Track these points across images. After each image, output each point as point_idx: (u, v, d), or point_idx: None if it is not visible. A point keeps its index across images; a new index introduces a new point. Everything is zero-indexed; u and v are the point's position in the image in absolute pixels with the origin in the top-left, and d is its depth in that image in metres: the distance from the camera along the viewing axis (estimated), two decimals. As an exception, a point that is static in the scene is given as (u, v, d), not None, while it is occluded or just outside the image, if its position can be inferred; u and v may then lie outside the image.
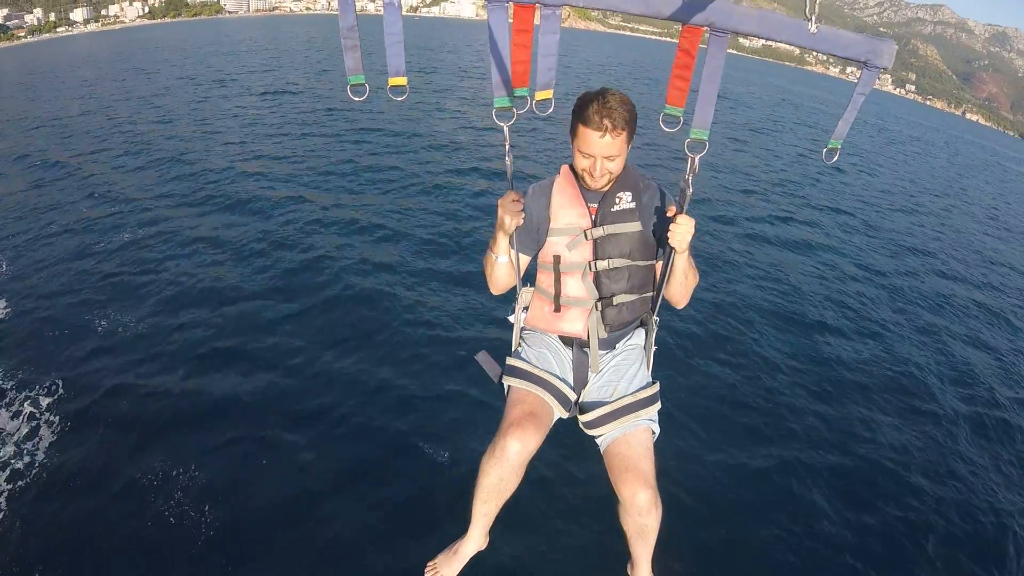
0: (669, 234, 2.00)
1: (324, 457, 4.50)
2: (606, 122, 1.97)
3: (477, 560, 2.16)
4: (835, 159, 1.85)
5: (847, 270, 9.84)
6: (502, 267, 2.25)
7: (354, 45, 1.72)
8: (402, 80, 1.78)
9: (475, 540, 2.14)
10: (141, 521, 3.96)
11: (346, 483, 4.27)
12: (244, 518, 4.00)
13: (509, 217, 2.08)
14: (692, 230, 1.99)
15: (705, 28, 1.72)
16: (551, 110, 1.88)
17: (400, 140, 12.85)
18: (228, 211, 8.89)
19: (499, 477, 2.01)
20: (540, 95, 1.88)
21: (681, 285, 2.16)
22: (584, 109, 1.99)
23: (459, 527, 2.16)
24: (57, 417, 4.88)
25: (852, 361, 6.74)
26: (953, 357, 7.59)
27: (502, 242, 2.18)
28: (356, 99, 1.77)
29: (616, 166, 2.11)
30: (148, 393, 5.15)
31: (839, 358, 6.74)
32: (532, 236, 2.27)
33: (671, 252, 2.08)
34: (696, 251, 2.16)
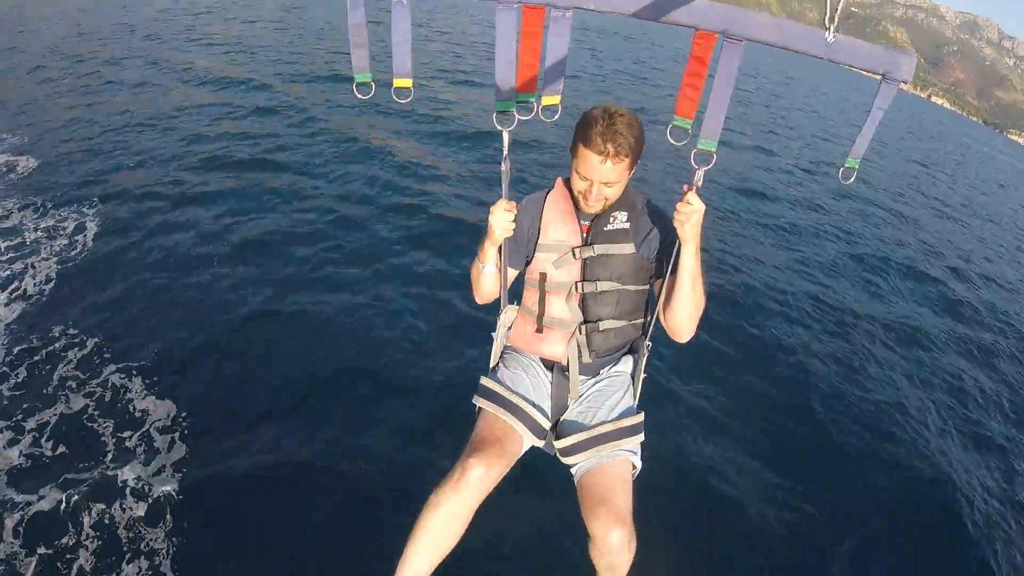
0: (674, 217, 1.85)
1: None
2: (609, 147, 1.86)
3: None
4: (852, 179, 1.76)
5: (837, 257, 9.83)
6: (488, 277, 2.14)
7: (362, 43, 1.65)
8: (407, 82, 1.70)
9: None
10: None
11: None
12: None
13: (498, 227, 1.97)
14: (701, 213, 1.83)
15: (719, 35, 1.65)
16: (557, 116, 1.81)
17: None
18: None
19: (450, 512, 1.79)
20: (547, 100, 1.81)
21: (687, 300, 1.96)
22: (588, 128, 1.88)
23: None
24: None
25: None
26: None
27: (490, 251, 2.08)
28: (362, 97, 1.71)
29: (614, 192, 2.01)
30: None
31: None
32: (521, 250, 2.18)
33: (677, 251, 1.94)
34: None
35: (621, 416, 2.09)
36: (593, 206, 2.04)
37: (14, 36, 17.84)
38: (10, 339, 5.41)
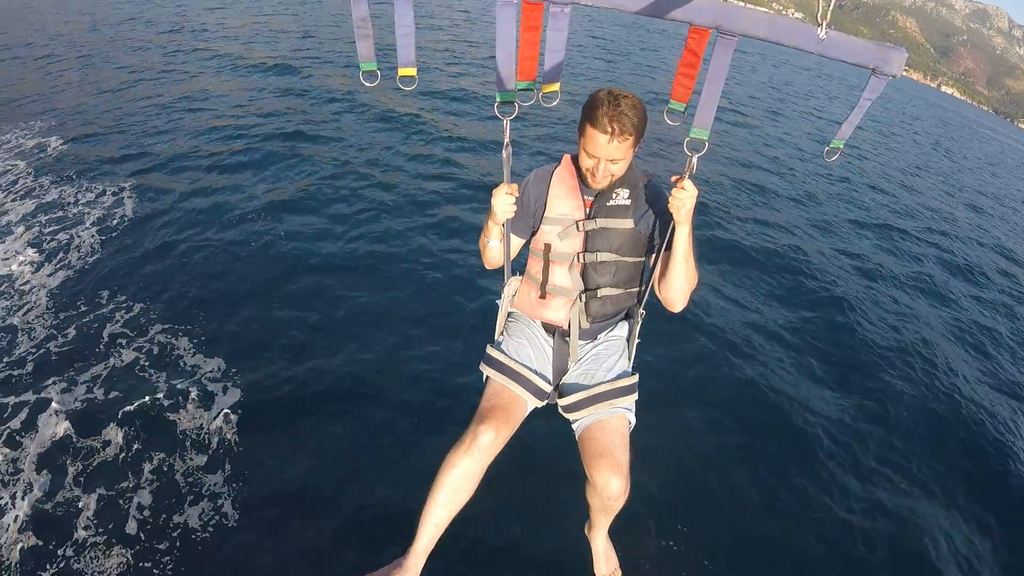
0: (669, 201, 1.99)
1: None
2: (614, 126, 1.96)
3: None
4: (836, 158, 1.86)
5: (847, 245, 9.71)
6: (493, 250, 2.30)
7: (367, 34, 1.75)
8: (412, 71, 1.80)
9: (414, 560, 2.02)
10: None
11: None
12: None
13: (500, 209, 2.10)
14: (694, 197, 1.96)
15: (713, 30, 1.70)
16: (556, 102, 1.90)
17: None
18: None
19: (464, 471, 2.01)
20: (547, 88, 1.90)
21: (680, 275, 2.13)
22: (594, 110, 1.97)
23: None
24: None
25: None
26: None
27: (493, 229, 2.23)
28: (368, 85, 1.80)
29: (619, 169, 2.11)
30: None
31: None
32: (527, 220, 2.31)
33: (671, 230, 2.07)
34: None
35: (618, 377, 2.29)
36: (600, 182, 2.14)
37: (29, 31, 18.16)
38: (57, 303, 5.68)
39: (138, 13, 21.33)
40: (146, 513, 3.82)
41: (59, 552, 3.57)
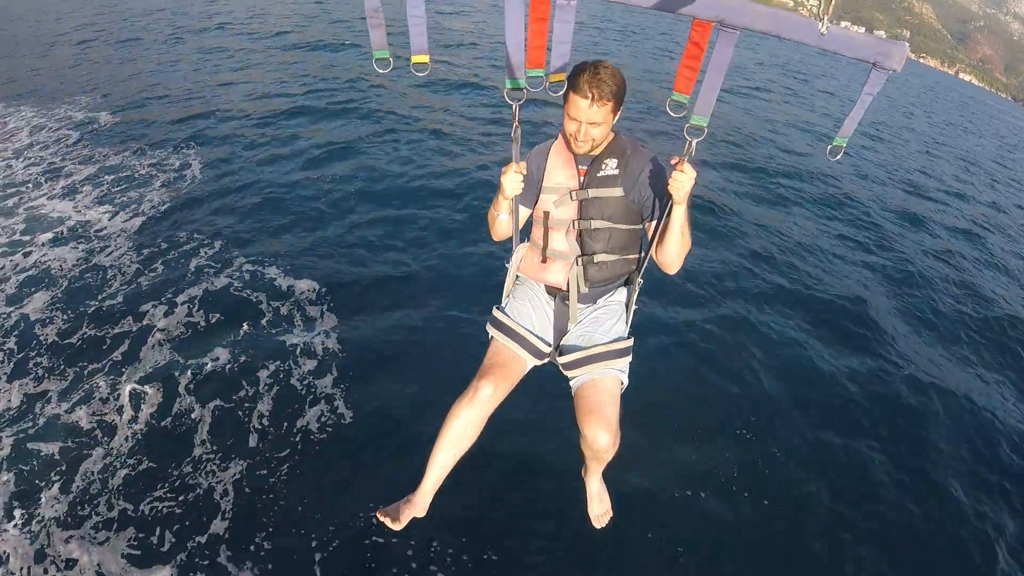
0: (669, 182, 2.08)
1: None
2: (593, 91, 2.09)
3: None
4: (839, 156, 1.90)
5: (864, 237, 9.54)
6: (503, 222, 2.47)
7: (379, 24, 1.83)
8: (424, 58, 1.89)
9: (422, 498, 2.32)
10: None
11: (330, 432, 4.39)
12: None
13: (509, 187, 2.27)
14: (693, 180, 2.06)
15: (715, 23, 1.74)
16: (564, 90, 2.08)
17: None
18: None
19: (466, 420, 2.25)
20: (554, 77, 2.03)
21: (676, 243, 2.25)
22: (576, 77, 2.10)
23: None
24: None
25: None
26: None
27: (503, 203, 2.40)
28: (381, 71, 1.89)
29: (600, 133, 2.23)
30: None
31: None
32: (531, 191, 2.47)
33: (669, 204, 2.17)
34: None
35: (614, 340, 2.44)
36: (582, 145, 2.27)
37: (60, 21, 19.92)
38: (140, 244, 6.54)
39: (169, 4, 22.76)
40: (265, 421, 4.28)
41: (175, 469, 3.98)
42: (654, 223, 2.33)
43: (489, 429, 2.33)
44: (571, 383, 2.43)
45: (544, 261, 2.49)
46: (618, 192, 2.35)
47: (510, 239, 2.56)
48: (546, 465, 4.01)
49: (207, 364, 4.70)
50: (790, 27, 1.69)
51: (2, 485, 3.80)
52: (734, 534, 3.92)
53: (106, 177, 8.41)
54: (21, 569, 3.40)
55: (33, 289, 5.71)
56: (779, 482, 4.32)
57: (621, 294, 2.57)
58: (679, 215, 2.18)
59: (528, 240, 2.60)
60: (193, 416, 4.30)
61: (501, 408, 2.34)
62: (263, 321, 5.22)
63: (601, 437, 2.19)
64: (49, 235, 6.79)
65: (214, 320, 5.20)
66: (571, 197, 2.38)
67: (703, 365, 5.32)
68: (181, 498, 3.78)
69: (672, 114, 1.96)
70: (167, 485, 3.86)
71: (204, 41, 16.37)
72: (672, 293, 6.14)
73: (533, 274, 2.57)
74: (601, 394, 2.29)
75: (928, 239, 10.13)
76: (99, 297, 5.56)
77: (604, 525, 2.79)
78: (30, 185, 8.34)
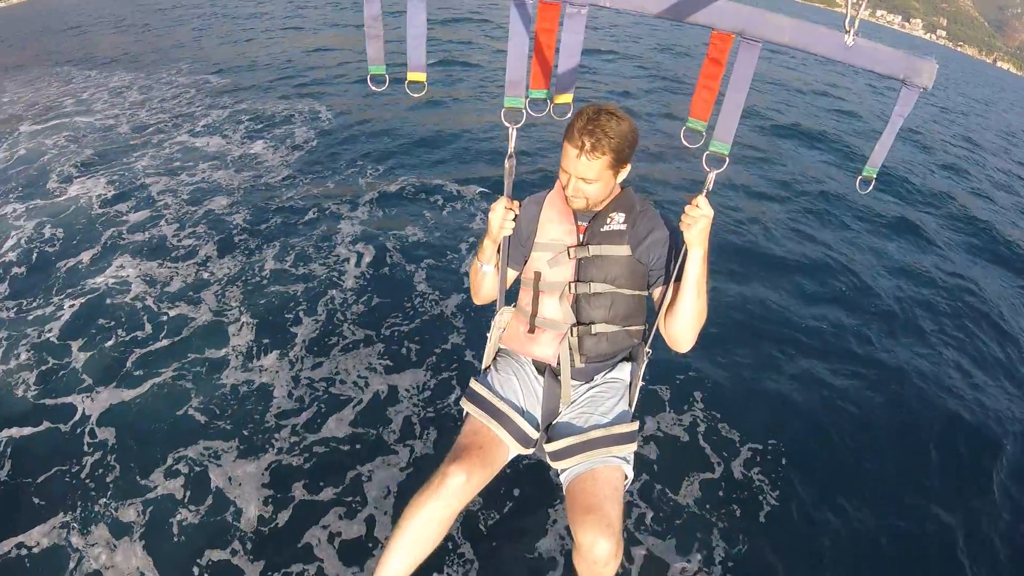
0: (682, 220, 1.84)
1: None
2: (585, 140, 1.85)
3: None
4: (869, 189, 1.73)
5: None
6: (487, 277, 2.16)
7: (377, 35, 1.68)
8: (421, 76, 1.73)
9: None
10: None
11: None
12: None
13: (497, 225, 2.00)
14: (709, 218, 1.81)
15: (736, 35, 1.63)
16: (569, 115, 1.83)
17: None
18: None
19: (429, 516, 1.82)
20: (560, 99, 1.81)
21: (691, 307, 1.94)
22: (573, 123, 1.88)
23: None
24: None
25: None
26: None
27: (489, 249, 2.10)
28: (376, 89, 1.71)
29: (594, 191, 1.98)
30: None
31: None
32: (520, 249, 2.17)
33: (682, 259, 1.92)
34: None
35: (615, 422, 2.07)
36: (574, 201, 2.02)
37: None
38: (302, 168, 8.21)
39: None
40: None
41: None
42: (661, 289, 2.07)
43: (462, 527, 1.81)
44: (562, 476, 2.02)
45: (531, 331, 2.15)
46: (624, 251, 2.05)
47: (494, 303, 2.26)
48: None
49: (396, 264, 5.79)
50: (814, 39, 1.59)
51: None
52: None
53: (243, 118, 10.31)
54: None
55: (208, 197, 7.35)
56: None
57: (623, 370, 2.23)
58: (695, 264, 1.89)
59: (515, 305, 2.28)
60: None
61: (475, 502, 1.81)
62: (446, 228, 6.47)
63: (600, 545, 1.74)
64: (212, 162, 8.55)
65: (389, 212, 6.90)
66: (568, 255, 2.07)
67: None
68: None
69: (688, 144, 1.76)
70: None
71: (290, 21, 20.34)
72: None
73: (518, 347, 2.22)
74: (600, 488, 1.88)
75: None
76: (278, 204, 7.06)
77: None
78: (168, 127, 10.21)
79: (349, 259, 5.93)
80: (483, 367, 2.34)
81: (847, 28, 1.53)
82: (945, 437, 4.67)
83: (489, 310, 2.33)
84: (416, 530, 1.81)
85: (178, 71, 14.27)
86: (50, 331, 5.02)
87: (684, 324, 1.98)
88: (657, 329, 2.12)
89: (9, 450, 3.92)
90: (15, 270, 6.06)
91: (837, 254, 7.43)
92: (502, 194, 2.03)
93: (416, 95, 1.72)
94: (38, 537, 3.35)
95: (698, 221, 1.81)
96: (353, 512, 3.45)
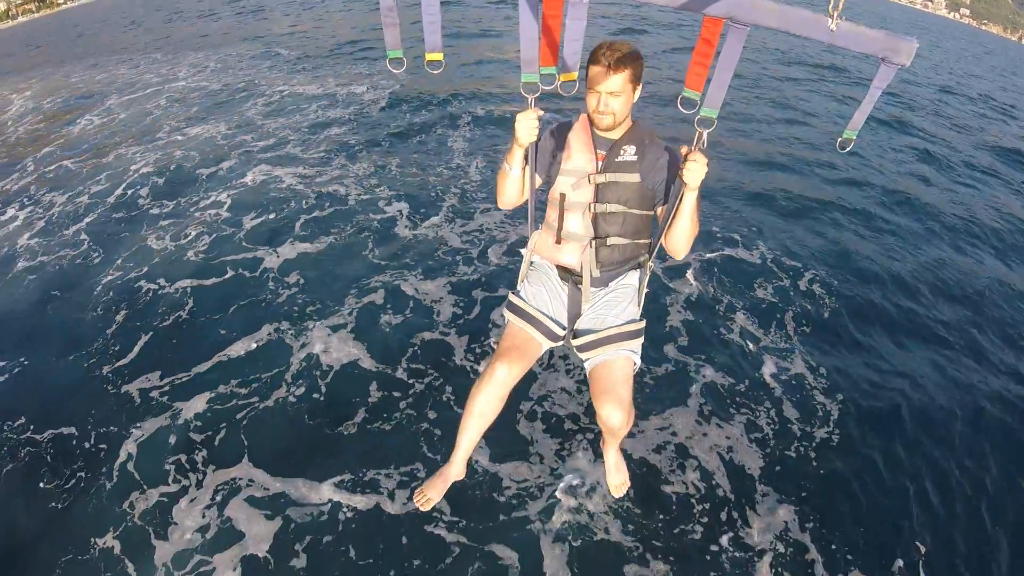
0: (682, 170, 2.10)
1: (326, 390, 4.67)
2: (610, 59, 2.20)
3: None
4: (848, 149, 1.93)
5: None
6: (514, 180, 2.44)
7: (393, 23, 1.88)
8: (439, 55, 1.95)
9: (457, 466, 2.55)
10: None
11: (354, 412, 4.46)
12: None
13: (524, 131, 2.20)
14: (705, 168, 2.09)
15: (725, 20, 1.78)
16: (575, 91, 2.07)
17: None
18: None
19: (486, 400, 2.39)
20: (565, 77, 2.07)
21: (686, 230, 2.29)
22: (594, 53, 2.24)
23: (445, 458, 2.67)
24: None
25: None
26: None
27: (517, 154, 2.35)
28: (395, 71, 1.95)
29: (620, 104, 2.31)
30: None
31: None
32: (546, 159, 2.52)
33: (681, 190, 2.19)
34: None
35: (627, 322, 2.52)
36: (603, 119, 2.34)
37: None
38: (396, 101, 10.59)
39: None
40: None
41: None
42: (665, 208, 2.38)
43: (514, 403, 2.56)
44: (585, 364, 2.53)
45: (558, 242, 2.55)
46: (635, 178, 2.41)
47: (517, 211, 2.63)
48: (568, 436, 4.17)
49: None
50: (799, 23, 1.72)
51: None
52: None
53: (327, 73, 12.65)
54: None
55: (325, 127, 9.55)
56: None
57: (633, 277, 2.64)
58: (690, 202, 2.22)
59: (543, 224, 2.66)
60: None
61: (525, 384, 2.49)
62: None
63: (615, 416, 2.30)
64: (321, 102, 10.75)
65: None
66: (588, 180, 2.43)
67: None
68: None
69: (683, 110, 2.00)
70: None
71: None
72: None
73: (547, 254, 2.63)
74: (615, 374, 2.39)
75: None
76: (391, 129, 9.26)
77: (622, 495, 2.98)
78: (262, 84, 12.37)
79: (466, 166, 8.13)
80: (519, 280, 2.75)
81: (830, 13, 1.66)
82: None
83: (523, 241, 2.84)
84: (479, 410, 2.42)
85: (245, 48, 16.76)
86: (217, 212, 7.10)
87: (681, 240, 2.34)
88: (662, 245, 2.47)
89: (212, 292, 5.72)
90: (157, 180, 8.20)
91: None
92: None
93: (435, 72, 1.96)
94: (240, 349, 4.96)
95: (697, 172, 2.09)
96: (431, 403, 4.44)
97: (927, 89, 17.71)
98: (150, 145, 9.69)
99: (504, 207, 2.58)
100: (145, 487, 3.85)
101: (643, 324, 2.55)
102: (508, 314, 2.61)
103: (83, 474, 3.97)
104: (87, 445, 4.18)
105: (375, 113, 10.13)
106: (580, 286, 2.57)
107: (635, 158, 2.41)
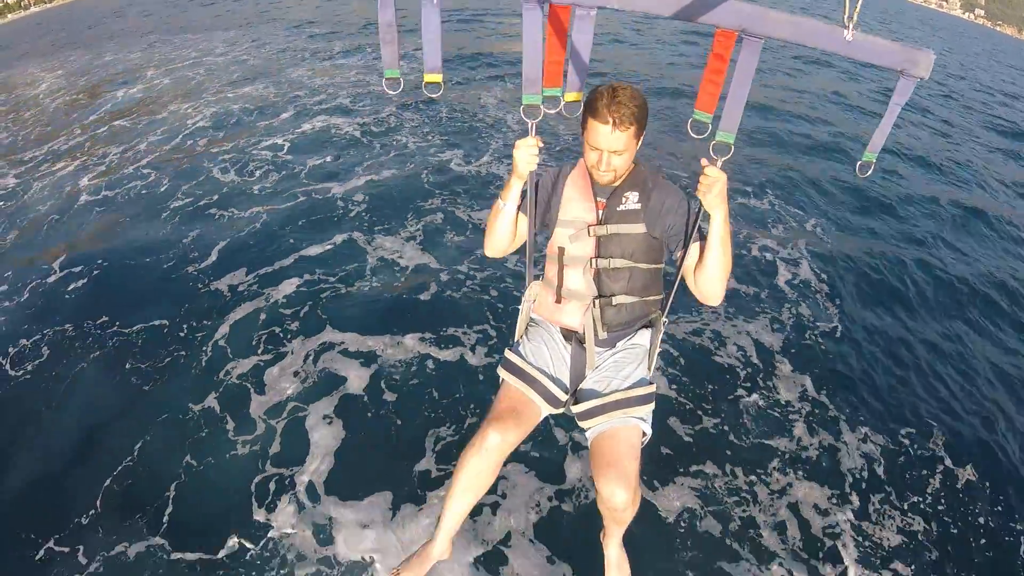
0: (698, 187, 1.93)
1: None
2: (614, 116, 1.97)
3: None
4: (869, 173, 1.79)
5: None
6: (507, 218, 2.23)
7: (391, 40, 1.75)
8: (437, 77, 1.81)
9: (440, 544, 2.20)
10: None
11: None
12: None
13: (522, 160, 2.04)
14: (721, 180, 1.89)
15: (738, 33, 1.71)
16: (580, 112, 1.95)
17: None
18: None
19: (476, 471, 2.10)
20: (570, 97, 1.93)
21: (717, 263, 2.05)
22: (594, 102, 2.00)
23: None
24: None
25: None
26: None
27: (515, 187, 2.16)
28: (390, 92, 1.81)
29: (622, 162, 2.11)
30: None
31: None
32: (543, 202, 2.29)
33: (702, 218, 2.02)
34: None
35: (634, 386, 2.27)
36: (604, 176, 2.15)
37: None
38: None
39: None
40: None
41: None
42: (682, 252, 2.17)
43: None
44: (587, 434, 2.26)
45: (558, 301, 2.33)
46: (640, 228, 2.19)
47: (505, 260, 2.40)
48: (560, 527, 3.64)
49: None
50: (814, 35, 1.66)
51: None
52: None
53: (364, 42, 14.48)
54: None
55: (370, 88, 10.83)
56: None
57: (643, 337, 2.41)
58: (717, 225, 1.99)
59: (542, 278, 2.45)
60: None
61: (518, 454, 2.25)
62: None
63: (618, 495, 1.98)
64: (361, 68, 12.55)
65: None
66: (588, 233, 2.22)
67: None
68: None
69: (695, 135, 1.86)
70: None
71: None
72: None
73: (547, 314, 2.41)
74: (619, 445, 2.12)
75: None
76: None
77: None
78: (303, 56, 13.93)
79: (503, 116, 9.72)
80: (516, 338, 2.53)
81: (846, 24, 1.60)
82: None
83: (520, 290, 2.62)
84: (466, 482, 2.12)
85: (277, 27, 18.36)
86: (278, 154, 8.06)
87: (713, 279, 2.09)
88: (677, 294, 2.28)
89: (282, 211, 6.63)
90: (215, 133, 9.00)
91: None
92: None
93: (434, 95, 1.82)
94: (317, 250, 5.89)
95: (714, 185, 1.89)
96: (414, 464, 3.95)
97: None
98: (201, 102, 10.66)
99: (493, 254, 2.35)
100: (239, 358, 4.43)
101: (653, 388, 2.29)
102: (504, 373, 2.35)
103: (178, 354, 4.54)
104: (180, 333, 4.74)
105: (415, 76, 10.01)
106: (584, 346, 2.33)
107: (638, 206, 2.19)
